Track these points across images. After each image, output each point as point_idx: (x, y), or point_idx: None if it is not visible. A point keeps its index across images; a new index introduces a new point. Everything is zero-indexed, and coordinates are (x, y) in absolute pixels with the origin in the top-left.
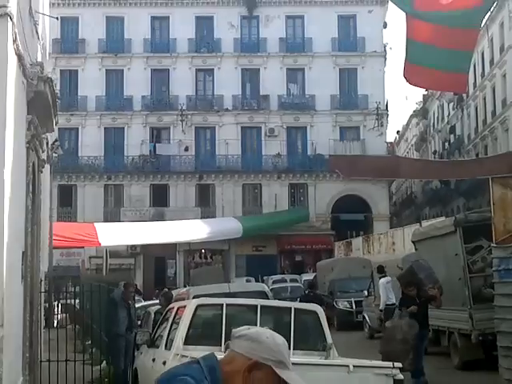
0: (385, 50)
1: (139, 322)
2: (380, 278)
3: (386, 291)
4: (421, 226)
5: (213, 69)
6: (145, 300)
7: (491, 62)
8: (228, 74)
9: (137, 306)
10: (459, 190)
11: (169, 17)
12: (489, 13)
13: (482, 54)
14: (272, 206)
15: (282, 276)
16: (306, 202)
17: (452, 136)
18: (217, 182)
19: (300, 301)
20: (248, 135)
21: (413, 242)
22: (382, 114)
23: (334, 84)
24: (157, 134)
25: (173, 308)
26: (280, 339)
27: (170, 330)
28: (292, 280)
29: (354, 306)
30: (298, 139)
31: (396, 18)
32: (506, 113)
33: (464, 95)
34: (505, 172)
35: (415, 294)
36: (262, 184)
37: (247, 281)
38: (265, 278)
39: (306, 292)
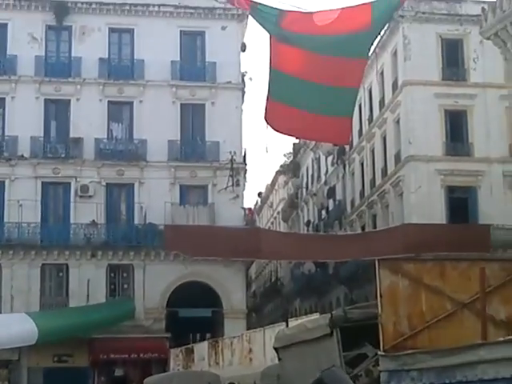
0: (243, 82)
1: None
2: None
3: None
4: (287, 325)
5: (4, 98)
6: None
7: (381, 102)
8: (25, 106)
9: None
10: (339, 276)
11: None
12: (378, 37)
13: (370, 92)
14: (83, 296)
15: None
16: (131, 290)
17: (331, 201)
18: (4, 261)
19: None
20: (51, 194)
21: (275, 348)
22: (238, 169)
23: (173, 125)
24: None
25: None
26: None
27: None
28: None
29: None
30: (122, 201)
31: (258, 38)
32: (399, 171)
33: (346, 146)
34: (398, 252)
35: None
36: (69, 265)
37: None
38: None
39: None
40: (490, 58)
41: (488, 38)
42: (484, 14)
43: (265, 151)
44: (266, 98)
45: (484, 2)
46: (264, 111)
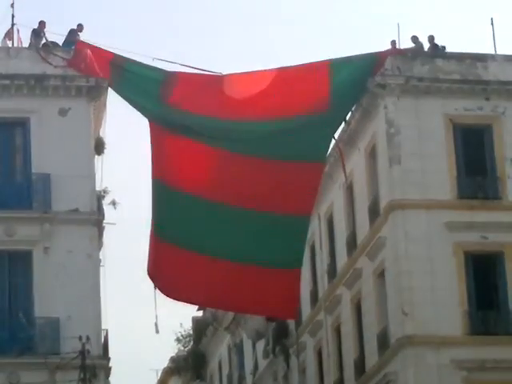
0: (100, 210)
1: None
2: None
3: None
4: None
5: None
6: None
7: (348, 241)
8: None
9: None
10: None
11: None
12: (342, 124)
13: (330, 223)
14: None
15: None
16: None
17: None
18: None
19: None
20: None
21: None
22: (93, 368)
23: None
24: None
25: None
26: None
27: None
28: None
29: None
30: None
31: (127, 128)
32: (387, 367)
33: (291, 322)
34: None
35: None
36: None
37: None
38: None
39: None
40: None
41: None
42: None
43: (152, 331)
44: (149, 238)
45: None
46: (147, 260)
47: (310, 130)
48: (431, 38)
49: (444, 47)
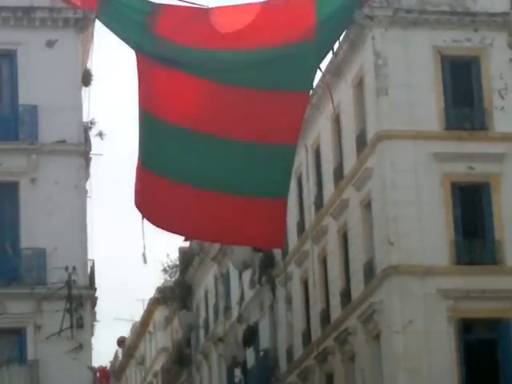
0: (87, 141)
1: None
2: None
3: None
4: None
5: None
6: None
7: (338, 171)
8: None
9: None
10: None
11: None
12: (329, 54)
13: (317, 154)
14: None
15: None
16: None
17: (251, 352)
18: None
19: None
20: None
21: None
22: (80, 298)
23: None
24: None
25: None
26: None
27: None
28: None
29: None
30: None
31: (115, 60)
32: (374, 295)
33: (277, 252)
34: None
35: None
36: None
37: None
38: None
39: None
40: None
41: None
42: None
43: (139, 261)
44: (136, 168)
45: None
46: (134, 190)
47: (296, 60)
48: None
49: None
